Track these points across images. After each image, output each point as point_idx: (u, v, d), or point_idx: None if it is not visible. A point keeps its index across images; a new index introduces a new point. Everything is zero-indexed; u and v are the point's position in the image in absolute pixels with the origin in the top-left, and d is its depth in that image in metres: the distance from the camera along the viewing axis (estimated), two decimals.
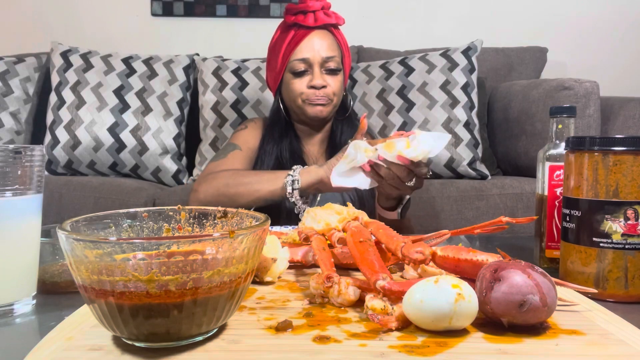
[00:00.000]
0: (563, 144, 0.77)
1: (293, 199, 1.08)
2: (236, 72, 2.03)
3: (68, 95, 2.00)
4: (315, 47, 1.24)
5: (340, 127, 1.35)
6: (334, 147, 1.33)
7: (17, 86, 2.10)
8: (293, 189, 1.07)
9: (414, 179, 0.93)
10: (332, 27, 1.28)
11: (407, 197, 1.06)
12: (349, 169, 0.89)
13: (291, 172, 1.08)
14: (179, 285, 0.42)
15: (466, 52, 1.98)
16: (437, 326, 0.47)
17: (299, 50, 1.24)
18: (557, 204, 0.76)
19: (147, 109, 1.98)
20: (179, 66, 2.08)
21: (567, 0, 2.46)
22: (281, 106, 1.33)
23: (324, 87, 1.24)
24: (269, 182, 1.09)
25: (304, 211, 1.09)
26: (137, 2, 2.51)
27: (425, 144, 0.86)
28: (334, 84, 1.26)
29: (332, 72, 1.25)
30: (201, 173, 1.27)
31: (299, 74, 1.25)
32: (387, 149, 0.87)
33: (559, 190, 0.76)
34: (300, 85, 1.25)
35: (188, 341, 0.46)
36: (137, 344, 0.45)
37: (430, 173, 0.98)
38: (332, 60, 1.25)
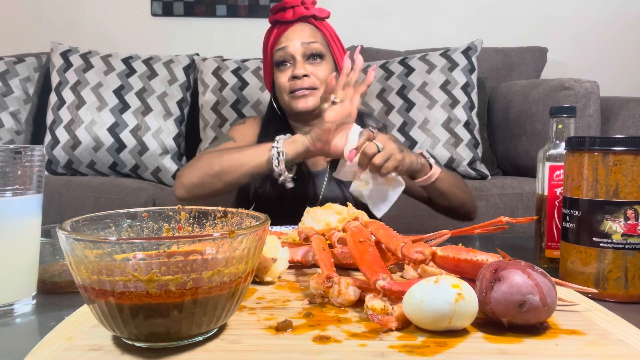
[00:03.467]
0: (563, 144, 0.77)
1: (279, 171, 1.05)
2: (236, 72, 2.03)
3: (68, 95, 2.00)
4: (295, 37, 1.24)
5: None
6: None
7: (17, 86, 2.10)
8: (279, 161, 1.04)
9: (369, 163, 0.99)
10: (312, 19, 1.27)
11: (424, 157, 1.08)
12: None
13: (275, 144, 1.05)
14: (179, 285, 0.42)
15: (466, 52, 1.98)
16: (437, 326, 0.47)
17: (280, 42, 1.25)
18: (557, 204, 0.76)
19: (147, 109, 1.99)
20: (179, 66, 2.08)
21: (567, 0, 2.47)
22: (274, 105, 1.33)
23: (305, 76, 1.22)
24: (254, 156, 1.07)
25: (288, 181, 1.07)
26: (137, 2, 2.51)
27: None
28: (317, 72, 1.24)
29: (314, 57, 1.24)
30: None
31: (282, 67, 1.25)
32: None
33: (559, 190, 0.76)
34: (283, 77, 1.24)
35: (188, 341, 0.46)
36: (137, 344, 0.45)
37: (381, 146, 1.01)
38: (312, 45, 1.23)
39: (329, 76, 1.16)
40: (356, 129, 1.02)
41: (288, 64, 1.24)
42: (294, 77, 1.22)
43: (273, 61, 1.27)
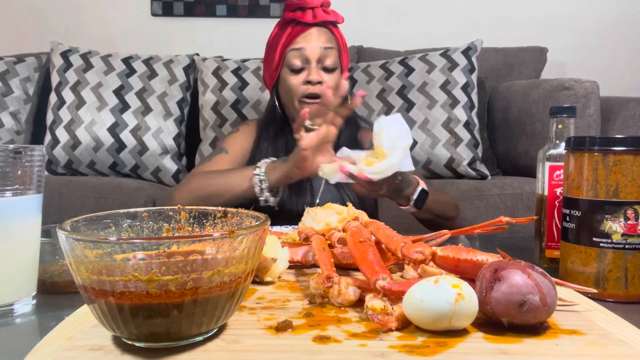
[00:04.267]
0: (563, 144, 0.77)
1: (264, 197, 1.07)
2: (236, 72, 2.03)
3: (68, 95, 2.00)
4: (313, 40, 1.21)
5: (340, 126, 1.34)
6: (334, 149, 1.32)
7: (17, 86, 2.10)
8: (262, 189, 1.07)
9: (383, 188, 0.95)
10: (330, 25, 1.25)
11: (419, 188, 1.04)
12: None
13: (257, 172, 1.07)
14: (179, 285, 0.42)
15: (466, 52, 1.98)
16: (437, 326, 0.47)
17: (296, 43, 1.22)
18: (557, 204, 0.76)
19: (147, 109, 1.98)
20: (179, 66, 2.08)
21: (567, 0, 2.47)
22: (277, 104, 1.31)
23: (319, 82, 1.21)
24: (239, 183, 1.09)
25: (272, 203, 1.09)
26: (137, 2, 2.51)
27: (391, 158, 0.87)
28: (330, 81, 1.23)
29: (328, 70, 1.23)
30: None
31: (295, 70, 1.23)
32: (366, 164, 0.89)
33: (559, 190, 0.76)
34: (296, 81, 1.23)
35: (188, 341, 0.46)
36: (137, 344, 0.45)
37: (400, 178, 0.97)
38: (330, 52, 1.22)
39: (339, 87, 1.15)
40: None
41: (301, 67, 1.22)
42: (308, 82, 1.20)
43: (284, 61, 1.24)
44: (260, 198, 1.07)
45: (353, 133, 1.31)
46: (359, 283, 0.57)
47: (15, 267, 0.58)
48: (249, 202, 1.11)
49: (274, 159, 1.10)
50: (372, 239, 0.62)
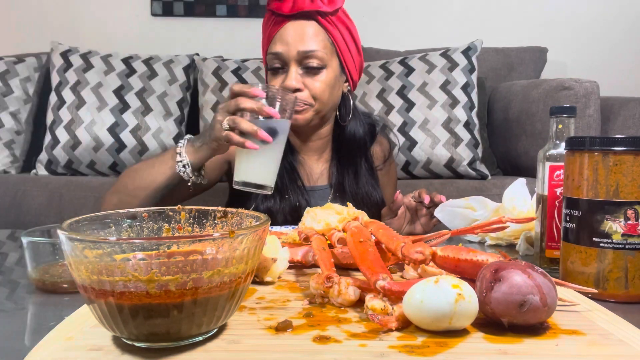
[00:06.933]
0: (563, 144, 0.77)
1: (193, 180, 0.98)
2: (236, 72, 2.03)
3: (68, 95, 2.00)
4: (291, 40, 1.02)
5: (343, 130, 1.16)
6: (340, 158, 1.17)
7: (17, 86, 2.10)
8: (187, 173, 0.96)
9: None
10: (319, 16, 1.03)
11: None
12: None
13: (179, 158, 0.96)
14: (179, 285, 0.42)
15: (466, 52, 1.98)
16: (437, 326, 0.47)
17: (272, 43, 1.05)
18: (557, 204, 0.76)
19: (147, 109, 1.99)
20: (179, 66, 2.08)
21: (567, 0, 2.47)
22: None
23: (298, 90, 1.04)
24: (162, 170, 0.98)
25: (199, 181, 0.99)
26: (137, 2, 2.51)
27: None
28: (314, 85, 1.05)
29: (311, 70, 1.05)
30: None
31: (274, 72, 1.07)
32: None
33: (559, 190, 0.76)
34: (274, 83, 1.07)
35: (188, 341, 0.46)
36: (137, 344, 0.45)
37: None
38: (312, 55, 1.03)
39: (326, 90, 1.04)
40: None
41: (280, 71, 1.07)
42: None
43: (267, 61, 1.09)
44: (186, 179, 0.98)
45: (369, 142, 1.20)
46: (359, 283, 0.57)
47: None
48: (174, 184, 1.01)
49: (190, 136, 0.99)
50: (372, 239, 0.62)
